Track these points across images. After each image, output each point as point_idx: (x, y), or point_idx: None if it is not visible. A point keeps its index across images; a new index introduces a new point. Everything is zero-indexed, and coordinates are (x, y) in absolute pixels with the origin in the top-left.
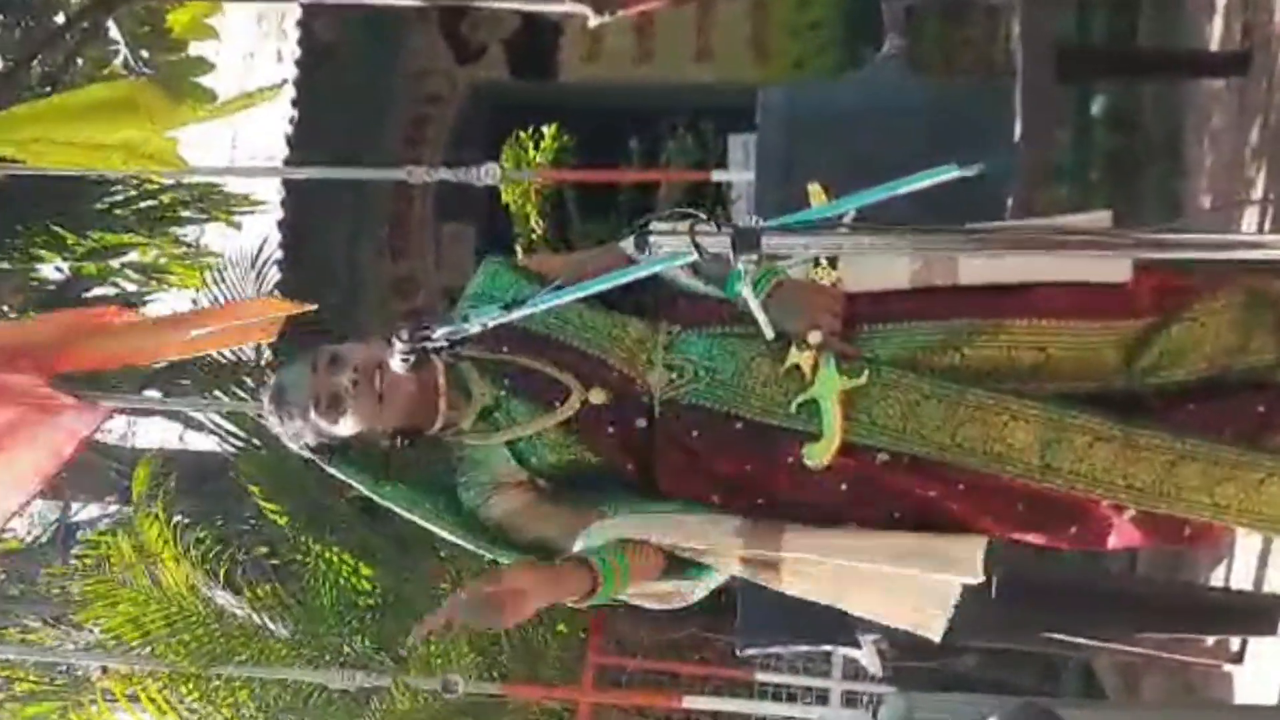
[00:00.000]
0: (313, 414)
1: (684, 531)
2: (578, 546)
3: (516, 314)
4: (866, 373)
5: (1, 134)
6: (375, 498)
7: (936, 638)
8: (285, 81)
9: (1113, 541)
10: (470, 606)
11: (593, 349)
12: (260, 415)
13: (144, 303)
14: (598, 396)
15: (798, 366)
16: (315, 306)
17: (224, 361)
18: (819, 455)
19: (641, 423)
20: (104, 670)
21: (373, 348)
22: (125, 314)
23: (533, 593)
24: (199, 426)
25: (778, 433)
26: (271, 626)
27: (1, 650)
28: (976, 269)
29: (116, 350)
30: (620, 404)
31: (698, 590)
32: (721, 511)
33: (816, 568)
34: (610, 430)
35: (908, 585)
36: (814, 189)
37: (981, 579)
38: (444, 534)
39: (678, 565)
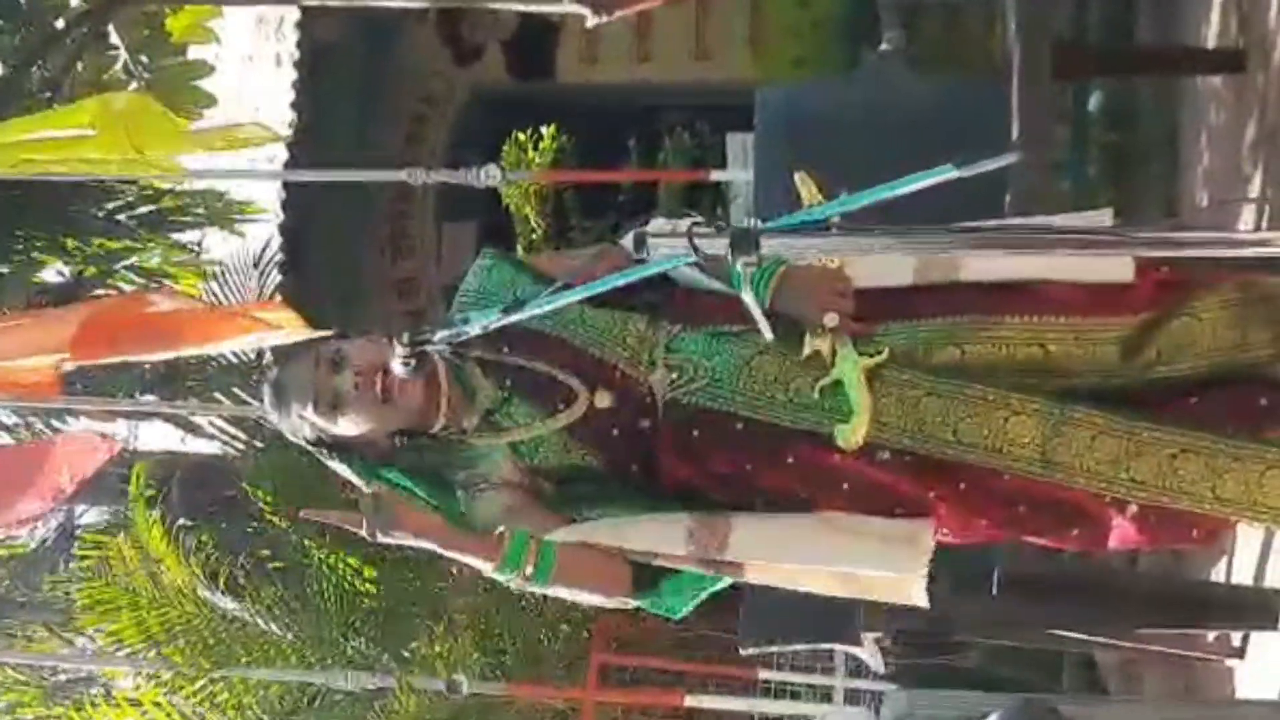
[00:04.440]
0: (311, 413)
1: (628, 536)
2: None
3: (516, 316)
4: (886, 350)
5: None
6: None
7: (923, 603)
8: (281, 138)
9: (1114, 543)
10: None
11: (594, 348)
12: (261, 413)
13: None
14: (603, 400)
15: (818, 353)
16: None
17: (224, 364)
18: (850, 435)
19: (645, 423)
20: (106, 674)
21: (378, 347)
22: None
23: (419, 526)
24: (198, 430)
25: (781, 432)
26: (275, 629)
27: (6, 656)
28: (978, 266)
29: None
30: (624, 405)
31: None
32: (722, 509)
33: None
34: (614, 432)
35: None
36: (800, 176)
37: (923, 573)
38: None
39: (649, 579)
